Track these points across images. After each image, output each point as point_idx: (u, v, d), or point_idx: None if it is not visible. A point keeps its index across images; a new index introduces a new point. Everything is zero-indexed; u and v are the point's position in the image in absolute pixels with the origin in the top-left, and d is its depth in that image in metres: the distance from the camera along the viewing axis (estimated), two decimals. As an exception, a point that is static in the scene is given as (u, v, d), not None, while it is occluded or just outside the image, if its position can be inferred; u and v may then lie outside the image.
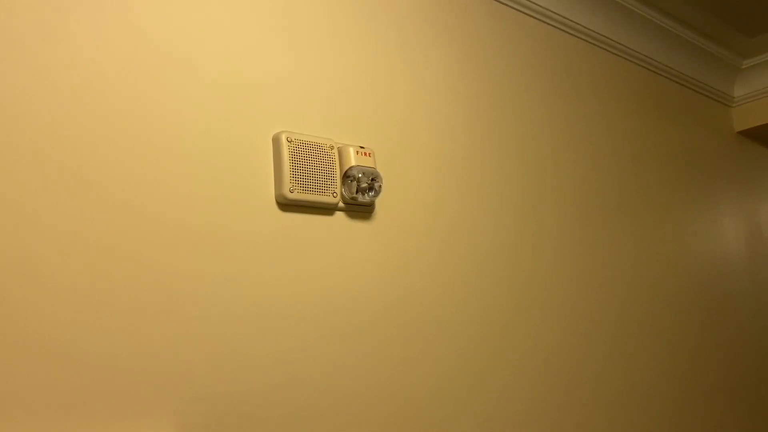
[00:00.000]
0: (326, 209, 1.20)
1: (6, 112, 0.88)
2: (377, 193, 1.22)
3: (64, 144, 0.92)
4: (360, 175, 1.20)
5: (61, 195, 0.91)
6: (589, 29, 1.91)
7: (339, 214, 1.22)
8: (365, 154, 1.23)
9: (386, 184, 1.30)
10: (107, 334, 0.91)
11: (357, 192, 1.20)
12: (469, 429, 1.32)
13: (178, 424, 0.94)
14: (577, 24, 1.87)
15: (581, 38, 1.91)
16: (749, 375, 2.20)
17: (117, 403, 0.90)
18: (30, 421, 0.83)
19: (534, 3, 1.74)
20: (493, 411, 1.37)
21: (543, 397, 1.49)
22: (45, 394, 0.85)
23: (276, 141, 1.14)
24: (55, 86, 0.93)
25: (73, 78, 0.95)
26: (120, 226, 0.95)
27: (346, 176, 1.20)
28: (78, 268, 0.90)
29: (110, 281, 0.93)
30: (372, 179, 1.21)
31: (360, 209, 1.25)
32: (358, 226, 1.24)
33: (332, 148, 1.20)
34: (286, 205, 1.14)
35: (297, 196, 1.13)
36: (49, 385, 0.85)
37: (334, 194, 1.19)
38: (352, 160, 1.21)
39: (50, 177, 0.90)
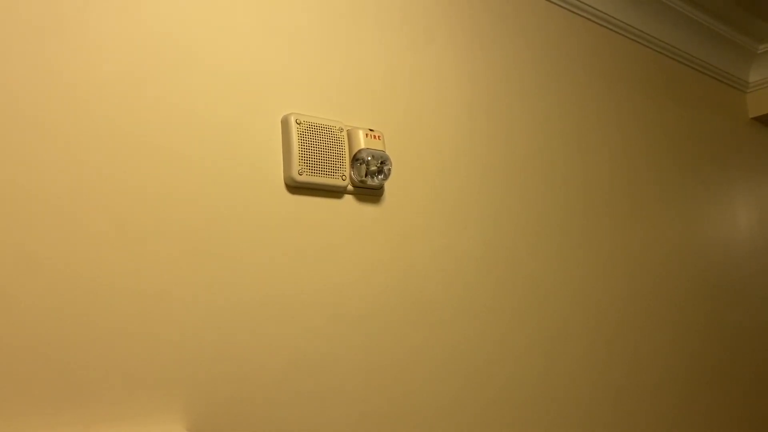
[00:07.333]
0: (335, 192, 1.19)
1: (17, 105, 0.88)
2: (386, 176, 1.21)
3: (79, 133, 0.92)
4: (369, 158, 1.19)
5: (68, 184, 0.90)
6: (599, 11, 1.88)
7: (348, 197, 1.21)
8: (375, 137, 1.22)
9: (395, 167, 1.29)
10: (117, 320, 0.91)
11: (366, 175, 1.19)
12: (475, 412, 1.32)
13: (187, 407, 0.95)
14: (587, 5, 1.84)
15: (591, 20, 1.88)
16: (758, 364, 2.19)
17: (126, 388, 0.90)
18: (41, 408, 0.83)
19: (547, -15, 1.72)
20: (499, 395, 1.37)
21: (549, 382, 1.48)
22: (54, 380, 0.85)
23: (285, 123, 1.13)
24: (69, 79, 0.92)
25: (86, 71, 0.94)
26: (127, 211, 0.95)
27: (356, 159, 1.19)
28: (84, 253, 0.90)
29: (118, 266, 0.92)
30: (381, 162, 1.20)
31: (369, 192, 1.24)
32: (367, 209, 1.23)
33: (341, 130, 1.19)
34: (295, 187, 1.14)
35: (306, 178, 1.13)
36: (59, 372, 0.85)
37: (343, 177, 1.18)
38: (362, 142, 1.20)
39: (62, 165, 0.90)
